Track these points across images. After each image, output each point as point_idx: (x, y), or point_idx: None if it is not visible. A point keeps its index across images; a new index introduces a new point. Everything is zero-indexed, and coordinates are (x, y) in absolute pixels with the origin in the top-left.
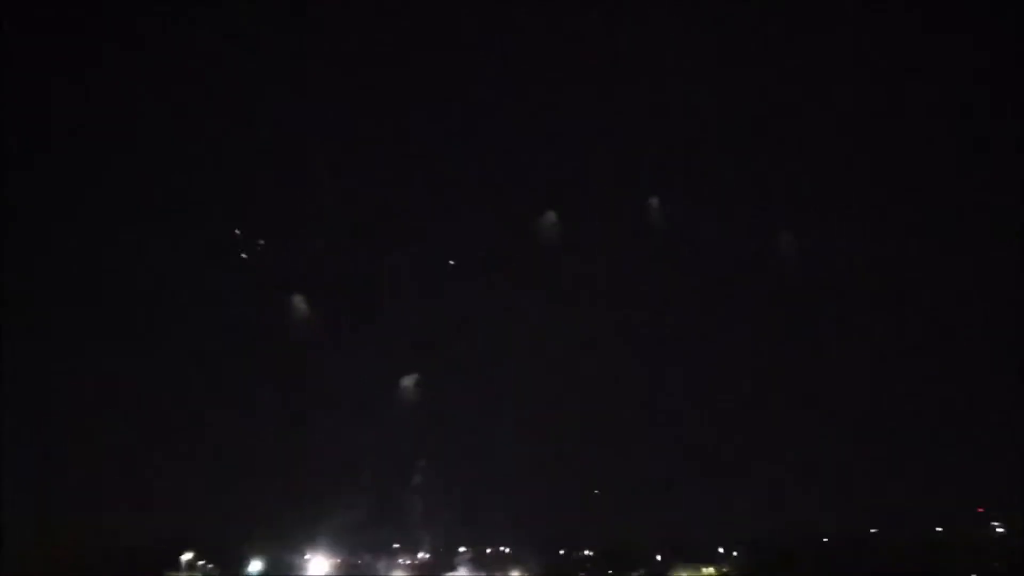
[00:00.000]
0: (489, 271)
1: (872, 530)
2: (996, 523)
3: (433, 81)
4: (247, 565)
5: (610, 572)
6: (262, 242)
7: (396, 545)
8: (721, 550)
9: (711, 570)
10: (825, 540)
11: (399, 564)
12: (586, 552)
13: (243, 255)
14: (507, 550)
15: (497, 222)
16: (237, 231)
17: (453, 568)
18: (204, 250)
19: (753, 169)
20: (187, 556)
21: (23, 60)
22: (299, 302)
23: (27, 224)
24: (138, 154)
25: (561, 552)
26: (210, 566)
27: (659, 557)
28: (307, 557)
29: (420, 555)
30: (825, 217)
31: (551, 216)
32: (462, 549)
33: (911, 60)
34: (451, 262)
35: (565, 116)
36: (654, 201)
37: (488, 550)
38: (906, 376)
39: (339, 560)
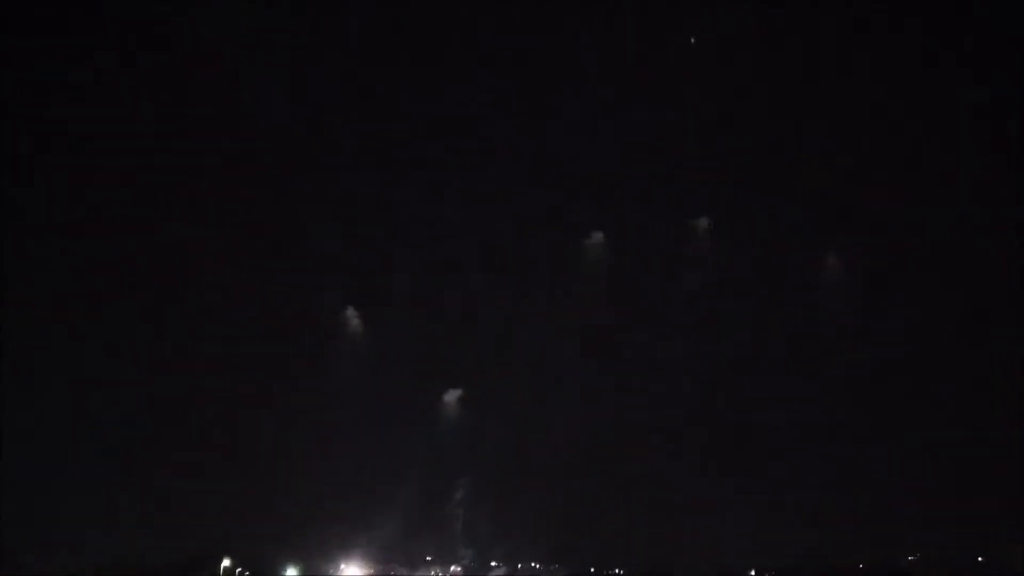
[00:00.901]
0: (533, 288)
1: (910, 558)
2: None
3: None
4: (283, 572)
5: None
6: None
7: (428, 558)
8: (753, 573)
9: None
10: (861, 567)
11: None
12: (618, 571)
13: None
14: (538, 566)
15: (541, 240)
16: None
17: None
18: (238, 253)
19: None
20: (225, 563)
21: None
22: (346, 315)
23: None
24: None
25: (592, 570)
26: (247, 573)
27: None
28: (342, 567)
29: (453, 568)
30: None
31: (598, 236)
32: (493, 564)
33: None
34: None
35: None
36: (703, 221)
37: (520, 565)
38: (956, 402)
39: (372, 571)
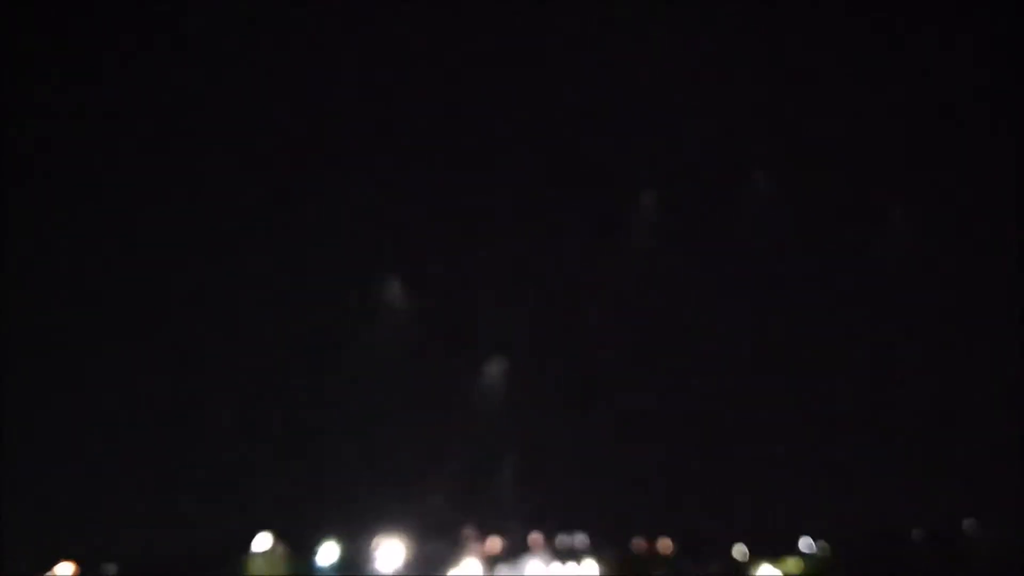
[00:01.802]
0: (582, 260)
1: (965, 522)
2: None
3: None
4: (322, 549)
5: (689, 562)
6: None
7: (467, 531)
8: (802, 540)
9: (793, 562)
10: (913, 532)
11: (469, 549)
12: (663, 540)
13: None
14: (582, 537)
15: (587, 201)
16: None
17: (525, 553)
18: (268, 225)
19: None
20: (264, 540)
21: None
22: (384, 287)
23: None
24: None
25: (636, 540)
26: (282, 548)
27: (742, 546)
28: (380, 543)
29: (491, 541)
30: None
31: (649, 197)
32: (535, 535)
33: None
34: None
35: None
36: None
37: (563, 536)
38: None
39: (412, 545)
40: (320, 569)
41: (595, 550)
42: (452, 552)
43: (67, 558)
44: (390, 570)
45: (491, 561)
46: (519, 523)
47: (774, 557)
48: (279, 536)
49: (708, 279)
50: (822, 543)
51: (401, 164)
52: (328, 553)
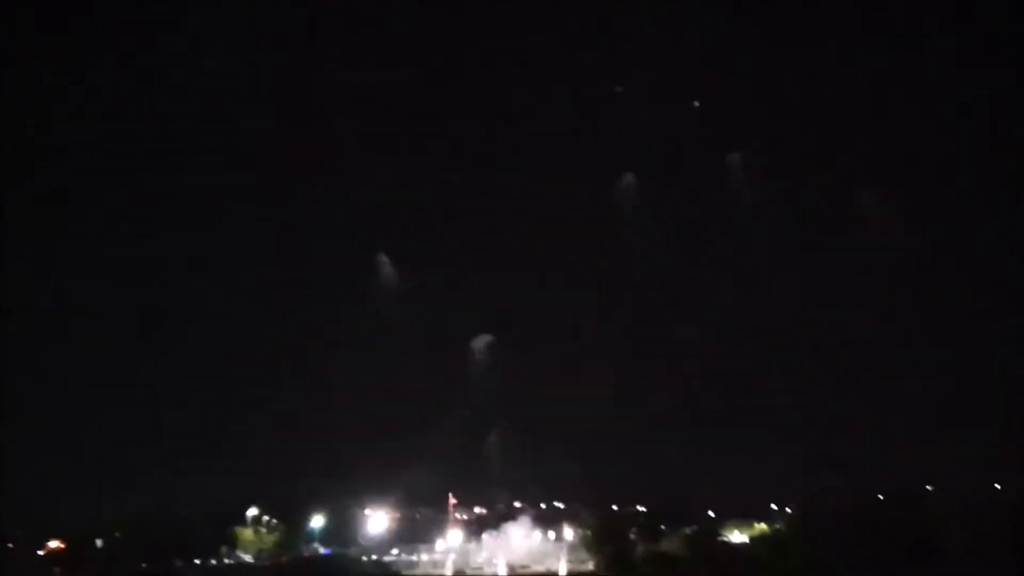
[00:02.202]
0: (566, 235)
1: (928, 486)
2: None
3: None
4: (310, 519)
5: (662, 527)
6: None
7: (453, 500)
8: (774, 507)
9: (763, 526)
10: (881, 497)
11: (455, 518)
12: (639, 508)
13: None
14: (562, 506)
15: (572, 181)
16: None
17: (508, 522)
18: (262, 201)
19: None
20: (253, 511)
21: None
22: (378, 262)
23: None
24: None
25: (614, 507)
26: (274, 521)
27: (711, 513)
28: (367, 512)
29: (476, 509)
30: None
31: (629, 178)
32: (517, 504)
33: None
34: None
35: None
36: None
37: (543, 505)
38: (976, 341)
39: (398, 514)
40: (309, 535)
41: (574, 516)
42: (438, 521)
43: (58, 534)
44: (377, 538)
45: (475, 528)
46: (503, 492)
47: (744, 520)
48: (268, 507)
49: (688, 258)
50: (792, 507)
51: (393, 151)
52: (318, 523)
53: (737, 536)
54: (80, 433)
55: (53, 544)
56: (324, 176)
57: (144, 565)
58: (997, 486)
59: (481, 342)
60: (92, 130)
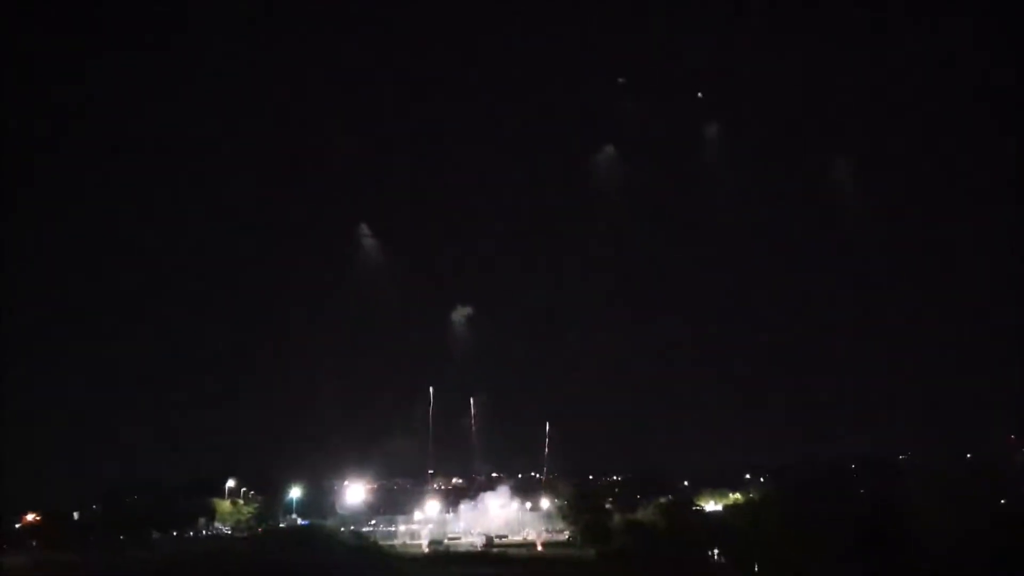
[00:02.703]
0: (545, 204)
1: (901, 456)
2: None
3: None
4: (288, 491)
5: (638, 497)
6: None
7: (431, 471)
8: (748, 476)
9: (737, 495)
10: (853, 467)
11: (433, 489)
12: (615, 478)
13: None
14: (538, 476)
15: (551, 156)
16: None
17: (485, 492)
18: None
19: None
20: (231, 483)
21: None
22: (357, 233)
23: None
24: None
25: (591, 477)
26: (252, 492)
27: (686, 483)
28: (345, 483)
29: (454, 480)
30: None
31: (609, 151)
32: (495, 475)
33: None
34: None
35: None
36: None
37: (520, 475)
38: (942, 307)
39: (375, 485)
40: (287, 507)
41: (551, 487)
42: (416, 492)
43: (34, 506)
44: (355, 509)
45: (453, 499)
46: (481, 463)
47: (718, 490)
48: (246, 479)
49: (665, 230)
50: (765, 477)
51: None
52: (296, 494)
53: (712, 506)
54: (58, 405)
55: (30, 517)
56: (303, 150)
57: (121, 537)
58: (968, 455)
59: (460, 314)
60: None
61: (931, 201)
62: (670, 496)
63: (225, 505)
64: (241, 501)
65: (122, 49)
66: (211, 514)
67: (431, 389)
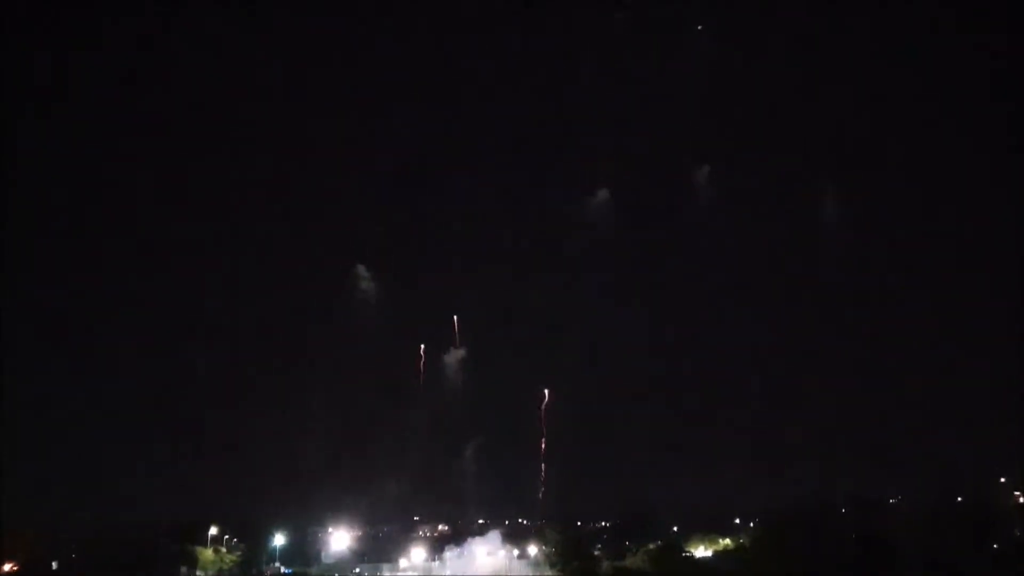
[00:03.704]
0: (538, 249)
1: (891, 500)
2: (1018, 492)
3: None
4: (271, 538)
5: (627, 543)
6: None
7: (416, 518)
8: (737, 521)
9: (727, 541)
10: (844, 511)
11: (419, 535)
12: (604, 523)
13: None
14: (526, 522)
15: (545, 201)
16: None
17: (472, 538)
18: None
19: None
20: (213, 531)
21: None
22: (353, 275)
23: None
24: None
25: (579, 524)
26: (235, 539)
27: (675, 528)
28: (329, 531)
29: (440, 526)
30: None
31: (604, 194)
32: (481, 521)
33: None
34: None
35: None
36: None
37: (507, 522)
38: (934, 346)
39: (360, 532)
40: (271, 554)
41: (538, 533)
42: (401, 538)
43: (11, 555)
44: (339, 556)
45: (439, 545)
46: (467, 509)
47: (708, 535)
48: (228, 526)
49: (653, 274)
50: (755, 522)
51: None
52: (279, 542)
53: (702, 551)
54: (34, 451)
55: (7, 567)
56: (289, 188)
57: None
58: (959, 499)
59: (453, 358)
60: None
61: (927, 233)
62: (659, 542)
63: (208, 553)
64: (224, 549)
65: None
66: (193, 562)
67: (416, 433)
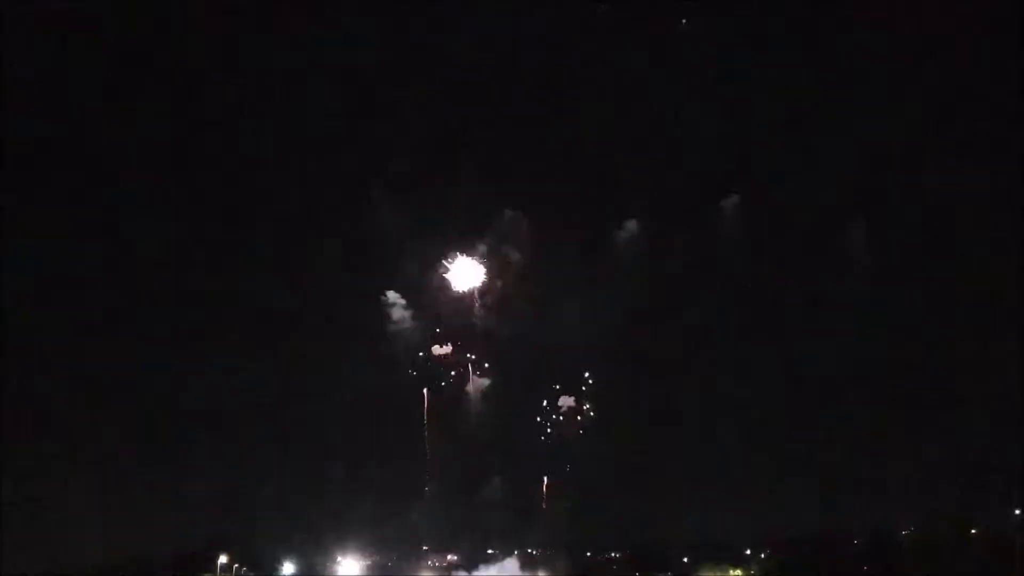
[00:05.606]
0: (566, 279)
1: (904, 532)
2: None
3: None
4: (280, 568)
5: (637, 574)
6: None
7: (425, 547)
8: (749, 551)
9: (738, 571)
10: (856, 542)
11: (428, 565)
12: (614, 554)
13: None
14: (535, 552)
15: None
16: None
17: (481, 568)
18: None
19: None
20: (223, 559)
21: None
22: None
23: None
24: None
25: (588, 554)
26: (244, 568)
27: (686, 559)
28: (338, 559)
29: (449, 557)
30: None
31: (632, 226)
32: (491, 551)
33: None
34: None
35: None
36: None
37: (516, 551)
38: (948, 379)
39: (370, 561)
40: None
41: (548, 562)
42: (411, 567)
43: None
44: None
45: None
46: (477, 539)
47: (719, 565)
48: (237, 554)
49: (669, 304)
50: (766, 552)
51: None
52: (288, 571)
53: None
54: (38, 477)
55: None
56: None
57: None
58: (974, 531)
59: (474, 387)
60: None
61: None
62: (669, 573)
63: None
64: None
65: None
66: None
67: (429, 460)
